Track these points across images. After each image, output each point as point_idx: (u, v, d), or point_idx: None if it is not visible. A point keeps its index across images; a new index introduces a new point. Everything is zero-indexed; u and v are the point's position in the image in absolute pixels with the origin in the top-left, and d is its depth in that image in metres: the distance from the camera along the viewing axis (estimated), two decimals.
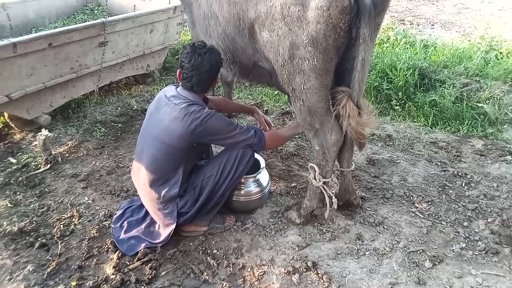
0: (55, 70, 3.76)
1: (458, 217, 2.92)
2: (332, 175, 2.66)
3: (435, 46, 5.46)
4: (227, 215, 2.84)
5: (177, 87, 2.55)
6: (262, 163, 2.98)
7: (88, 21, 5.02)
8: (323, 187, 2.64)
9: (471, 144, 3.86)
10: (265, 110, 4.47)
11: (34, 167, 3.43)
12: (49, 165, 3.41)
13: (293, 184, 3.25)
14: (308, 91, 2.33)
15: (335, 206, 2.67)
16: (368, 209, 2.99)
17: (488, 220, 2.88)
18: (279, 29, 2.23)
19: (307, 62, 2.22)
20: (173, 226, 2.55)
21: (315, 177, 2.63)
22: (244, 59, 2.66)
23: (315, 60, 2.21)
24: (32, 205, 2.99)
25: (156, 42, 4.88)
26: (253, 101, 4.68)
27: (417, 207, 3.01)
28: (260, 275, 2.43)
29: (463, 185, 3.27)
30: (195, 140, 2.45)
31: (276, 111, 4.46)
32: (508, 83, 4.55)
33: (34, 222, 2.82)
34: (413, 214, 2.94)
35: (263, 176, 2.93)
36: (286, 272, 2.45)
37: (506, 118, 4.18)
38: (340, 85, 2.38)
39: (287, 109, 4.46)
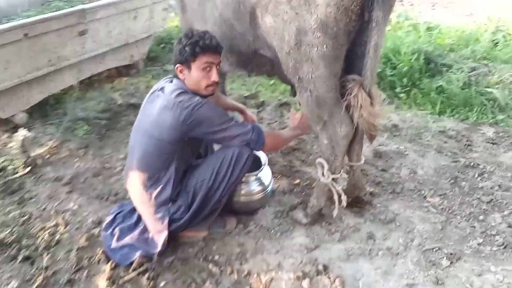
0: (31, 62, 3.64)
1: (473, 210, 2.89)
2: (342, 170, 2.63)
3: (440, 29, 5.46)
4: (228, 217, 2.77)
5: (172, 80, 2.53)
6: (264, 159, 2.92)
7: (65, 8, 4.88)
8: (332, 184, 2.60)
9: (482, 132, 3.86)
10: (261, 101, 4.43)
11: (12, 171, 3.31)
12: (28, 168, 3.29)
13: (297, 181, 3.19)
14: (316, 80, 2.27)
15: (344, 203, 2.62)
16: (378, 205, 2.93)
17: (505, 213, 2.86)
18: (284, 13, 2.17)
19: (316, 49, 2.16)
20: (165, 233, 2.48)
21: (323, 173, 2.58)
22: (243, 47, 2.59)
23: (325, 46, 2.14)
24: (12, 214, 2.88)
25: (140, 29, 4.76)
26: (248, 92, 4.62)
27: (430, 202, 2.97)
28: (268, 282, 2.38)
29: (476, 176, 3.25)
30: (186, 132, 2.36)
31: (273, 103, 4.41)
32: None
33: (15, 232, 2.72)
34: (425, 209, 2.90)
35: (265, 174, 2.86)
36: (295, 277, 2.40)
37: None
38: (350, 72, 2.34)
39: (285, 100, 4.43)
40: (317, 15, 2.08)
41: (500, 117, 4.03)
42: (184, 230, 2.58)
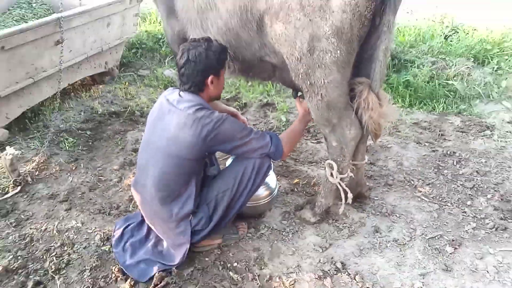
0: (9, 76, 3.28)
1: (460, 197, 2.97)
2: (349, 169, 2.59)
3: (398, 27, 5.53)
4: (238, 222, 2.65)
5: (179, 90, 2.29)
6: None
7: (27, 16, 4.46)
8: (339, 183, 2.56)
9: (450, 121, 3.96)
10: (244, 103, 4.29)
11: (1, 191, 2.96)
12: (19, 187, 2.95)
13: (296, 181, 3.13)
14: (329, 86, 2.21)
15: (350, 200, 2.60)
16: (375, 198, 2.95)
17: (488, 197, 2.96)
18: (296, 20, 2.07)
19: (329, 54, 2.10)
20: (187, 246, 2.33)
21: (331, 174, 2.53)
22: (248, 55, 2.45)
23: (338, 52, 2.09)
24: (10, 237, 2.57)
25: (113, 36, 4.44)
26: (228, 94, 4.46)
27: (421, 191, 3.02)
28: (291, 284, 2.30)
29: (455, 163, 3.34)
30: (207, 149, 2.24)
31: (255, 104, 4.29)
32: (470, 59, 4.74)
33: (19, 257, 2.43)
34: (419, 199, 2.95)
35: (271, 178, 2.76)
36: (317, 277, 2.33)
37: (474, 93, 4.35)
38: (357, 76, 2.31)
39: (266, 100, 4.32)
40: (332, 22, 2.01)
41: (462, 106, 4.16)
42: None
